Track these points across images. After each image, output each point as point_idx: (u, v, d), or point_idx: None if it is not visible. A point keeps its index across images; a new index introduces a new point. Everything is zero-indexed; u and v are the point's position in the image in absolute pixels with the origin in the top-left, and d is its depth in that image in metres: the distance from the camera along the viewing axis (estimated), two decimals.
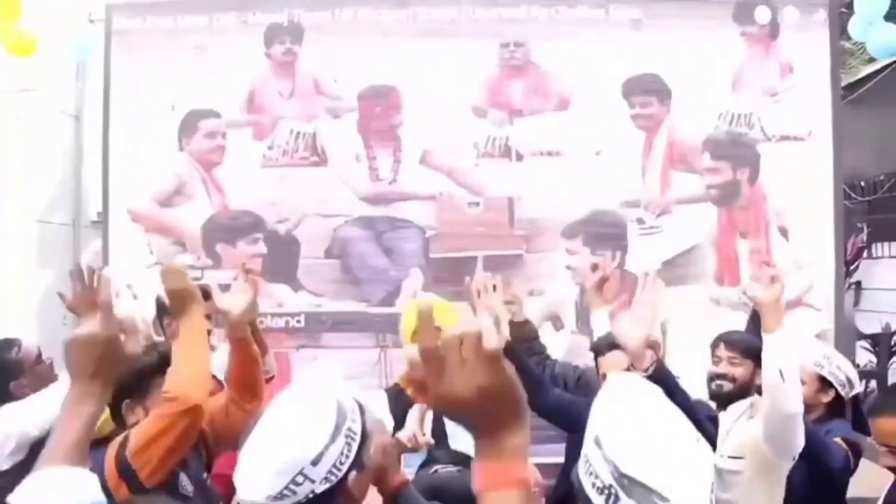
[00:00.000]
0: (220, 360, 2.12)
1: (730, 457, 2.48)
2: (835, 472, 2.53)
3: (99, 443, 1.75)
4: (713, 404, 2.74)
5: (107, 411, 1.86)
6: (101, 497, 1.07)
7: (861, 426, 2.68)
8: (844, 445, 2.59)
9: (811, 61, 4.08)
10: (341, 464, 1.28)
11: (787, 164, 4.04)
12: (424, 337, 0.83)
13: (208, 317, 2.08)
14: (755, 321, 2.76)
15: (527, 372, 2.32)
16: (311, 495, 1.25)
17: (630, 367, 2.03)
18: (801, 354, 2.60)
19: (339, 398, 1.34)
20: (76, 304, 2.80)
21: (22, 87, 4.55)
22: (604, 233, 4.07)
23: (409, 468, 2.40)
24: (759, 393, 2.48)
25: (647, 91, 4.09)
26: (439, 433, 2.51)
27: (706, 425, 2.03)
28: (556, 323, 4.03)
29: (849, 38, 4.77)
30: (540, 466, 2.13)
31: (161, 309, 2.89)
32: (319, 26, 4.19)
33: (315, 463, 1.25)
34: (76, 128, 4.93)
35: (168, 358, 1.90)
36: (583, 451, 1.12)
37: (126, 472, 1.64)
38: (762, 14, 4.08)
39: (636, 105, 4.09)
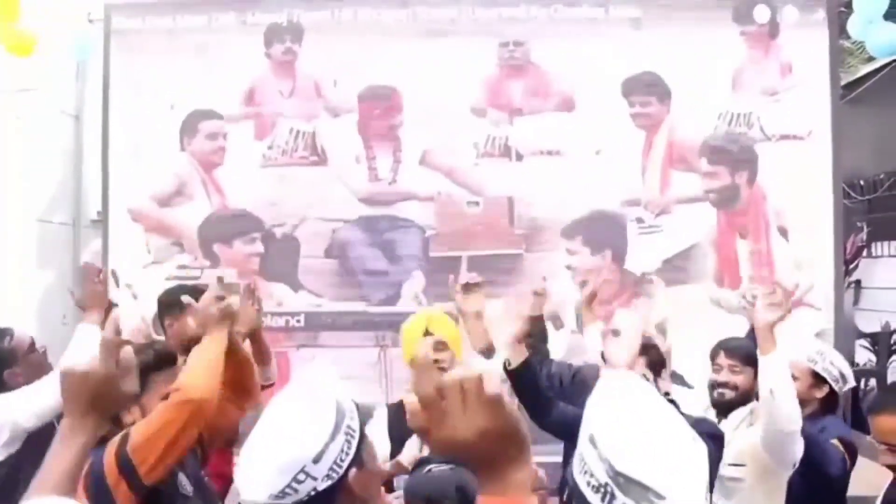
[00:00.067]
0: None
1: (730, 464, 2.49)
2: (833, 478, 2.54)
3: (96, 443, 1.75)
4: (714, 411, 2.74)
5: None
6: None
7: (861, 424, 2.68)
8: (841, 447, 2.60)
9: (810, 61, 4.08)
10: (342, 461, 1.28)
11: (786, 164, 4.04)
12: (422, 383, 0.83)
13: None
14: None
15: (539, 390, 2.32)
16: (312, 493, 1.25)
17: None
18: (796, 351, 2.63)
19: (337, 396, 1.35)
20: (82, 299, 2.81)
21: (22, 87, 4.55)
22: (603, 232, 4.07)
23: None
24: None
25: (647, 90, 4.09)
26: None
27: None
28: (556, 322, 4.03)
29: (848, 37, 4.76)
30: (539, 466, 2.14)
31: (162, 308, 2.89)
32: (319, 26, 4.19)
33: (317, 460, 1.25)
34: (76, 128, 4.93)
35: (165, 356, 1.91)
36: (577, 450, 1.12)
37: (126, 467, 1.64)
38: (761, 13, 4.08)
39: (636, 104, 4.09)
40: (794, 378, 2.43)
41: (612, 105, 4.07)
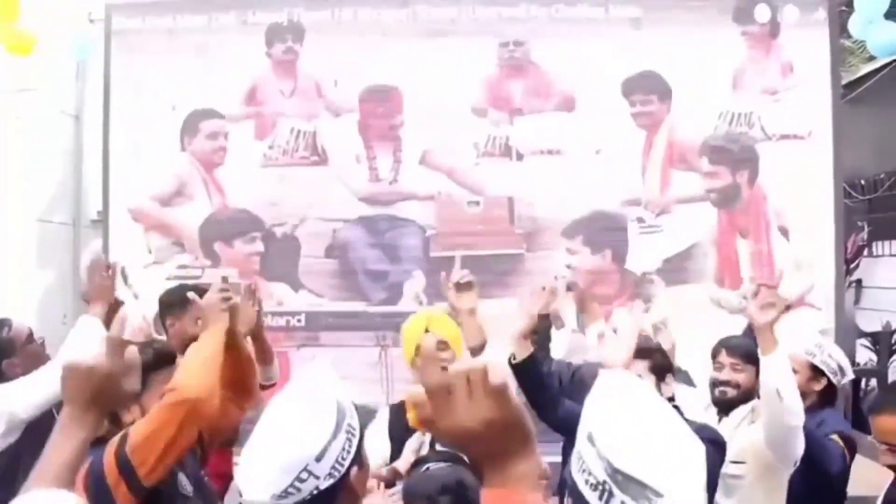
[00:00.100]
0: None
1: (731, 461, 2.49)
2: (834, 476, 2.55)
3: (96, 443, 1.75)
4: (715, 410, 2.74)
5: None
6: None
7: (861, 424, 2.68)
8: (840, 443, 2.61)
9: (811, 60, 4.08)
10: (343, 459, 1.28)
11: (787, 164, 4.04)
12: (428, 373, 0.84)
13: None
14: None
15: (544, 385, 2.32)
16: (315, 492, 1.25)
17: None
18: (795, 345, 2.63)
19: (337, 395, 1.35)
20: (87, 291, 2.81)
21: (22, 87, 4.55)
22: (604, 232, 4.06)
23: None
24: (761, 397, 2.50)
25: (648, 90, 4.08)
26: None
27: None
28: (557, 322, 4.02)
29: (849, 37, 4.76)
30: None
31: (163, 308, 2.89)
32: (319, 26, 4.19)
33: (319, 459, 1.25)
34: (76, 128, 4.94)
35: (165, 356, 1.90)
36: (575, 448, 1.12)
37: (125, 468, 1.63)
38: (762, 12, 4.08)
39: (636, 104, 4.08)
40: (794, 371, 2.44)
41: (612, 105, 4.06)
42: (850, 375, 2.92)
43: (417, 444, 2.42)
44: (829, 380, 2.77)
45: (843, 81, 5.01)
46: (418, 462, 2.15)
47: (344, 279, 4.13)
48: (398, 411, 2.58)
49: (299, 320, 4.10)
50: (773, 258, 4.01)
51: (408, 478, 1.85)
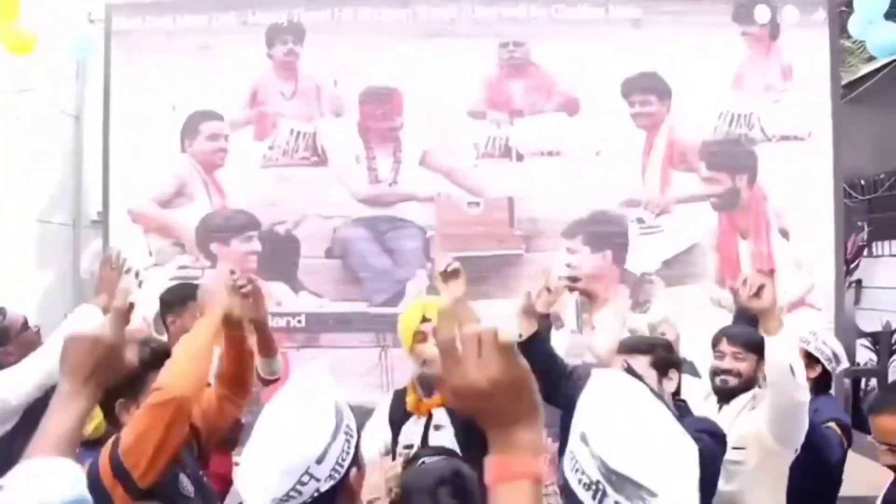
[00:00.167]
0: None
1: (732, 447, 2.48)
2: (833, 464, 2.57)
3: (94, 444, 1.75)
4: (715, 398, 2.74)
5: (100, 413, 1.87)
6: (86, 491, 1.08)
7: (861, 424, 2.69)
8: (838, 430, 2.62)
9: (811, 61, 4.08)
10: (343, 461, 1.28)
11: (787, 164, 4.04)
12: (443, 329, 0.86)
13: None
14: (741, 316, 2.80)
15: (554, 360, 2.30)
16: (315, 494, 1.25)
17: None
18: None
19: (335, 396, 1.35)
20: (96, 283, 2.81)
21: (22, 87, 4.55)
22: (604, 232, 4.07)
23: None
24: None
25: (647, 90, 4.08)
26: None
27: (697, 440, 2.03)
28: (556, 322, 4.02)
29: (849, 37, 4.76)
30: None
31: (164, 307, 2.89)
32: (319, 26, 4.19)
33: (320, 461, 1.25)
34: (76, 128, 4.94)
35: (162, 354, 1.90)
36: (568, 448, 1.12)
37: (119, 471, 1.63)
38: (762, 13, 4.08)
39: (636, 104, 4.08)
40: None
41: (612, 105, 4.06)
42: (846, 363, 2.96)
43: (382, 444, 2.45)
44: (823, 367, 2.80)
45: (843, 82, 5.01)
46: (412, 459, 2.16)
47: (344, 280, 4.13)
48: (399, 397, 2.59)
49: (299, 321, 4.10)
50: (774, 258, 4.01)
51: (405, 472, 1.85)
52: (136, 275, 3.21)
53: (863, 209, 7.10)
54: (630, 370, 2.03)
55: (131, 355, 1.26)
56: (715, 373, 2.72)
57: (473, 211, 4.11)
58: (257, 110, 4.21)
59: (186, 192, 4.20)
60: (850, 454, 2.83)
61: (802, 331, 2.81)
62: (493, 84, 4.15)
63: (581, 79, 4.09)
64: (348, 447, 1.30)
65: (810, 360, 2.76)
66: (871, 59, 5.90)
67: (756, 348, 2.56)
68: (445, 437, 2.36)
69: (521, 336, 2.32)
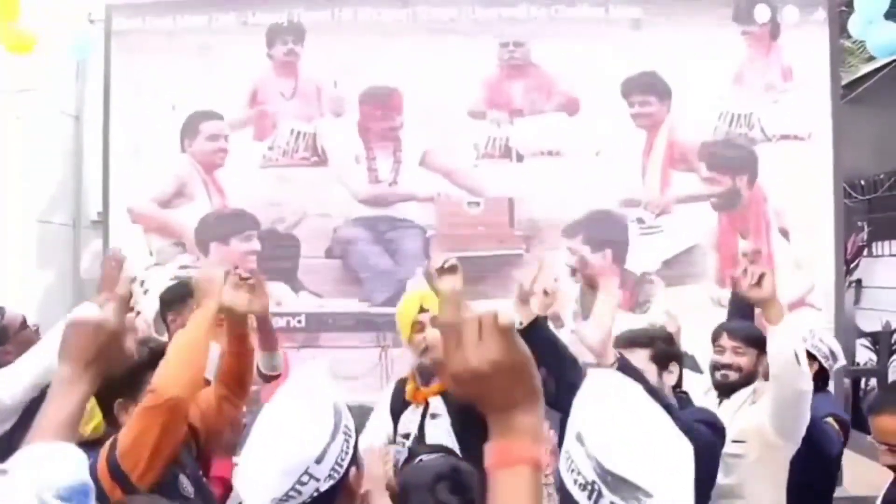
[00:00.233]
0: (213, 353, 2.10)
1: (732, 441, 2.48)
2: (832, 459, 2.58)
3: (94, 444, 1.74)
4: (715, 393, 2.74)
5: (99, 414, 1.86)
6: (88, 476, 1.08)
7: (861, 424, 2.70)
8: (836, 425, 2.63)
9: (811, 61, 4.08)
10: (342, 461, 1.28)
11: (787, 164, 4.04)
12: (445, 312, 0.87)
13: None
14: (735, 304, 2.84)
15: (557, 346, 2.29)
16: (315, 494, 1.25)
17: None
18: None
19: (334, 396, 1.35)
20: (100, 282, 2.80)
21: (22, 87, 4.55)
22: (604, 231, 4.07)
23: None
24: (764, 379, 2.50)
25: (647, 90, 4.08)
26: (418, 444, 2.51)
27: (693, 429, 2.02)
28: (557, 322, 4.02)
29: (849, 37, 4.76)
30: None
31: (164, 305, 2.89)
32: (319, 27, 4.19)
33: (319, 461, 1.24)
34: (76, 128, 4.94)
35: (160, 354, 1.89)
36: (564, 448, 1.12)
37: (117, 473, 1.62)
38: (762, 13, 4.08)
39: (636, 104, 4.09)
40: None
41: (612, 105, 4.07)
42: (842, 360, 2.97)
43: (385, 437, 2.46)
44: (820, 365, 2.80)
45: (843, 82, 5.01)
46: (411, 456, 2.17)
47: (344, 280, 4.13)
48: (399, 387, 2.60)
49: (299, 321, 4.10)
50: (774, 258, 4.01)
51: (403, 471, 1.86)
52: (141, 283, 3.22)
53: (863, 209, 7.11)
54: (624, 361, 2.02)
55: (131, 344, 1.27)
56: (715, 367, 2.71)
57: (473, 211, 4.11)
58: (257, 110, 4.21)
59: (186, 192, 4.20)
60: (851, 454, 2.83)
61: (802, 330, 2.81)
62: (493, 84, 4.16)
63: (581, 79, 4.10)
64: (347, 447, 1.30)
65: (808, 357, 2.77)
66: (871, 59, 5.89)
67: (756, 343, 2.56)
68: (441, 425, 2.37)
69: (521, 323, 2.31)
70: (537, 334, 2.25)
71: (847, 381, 5.19)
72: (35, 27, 4.09)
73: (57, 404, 1.18)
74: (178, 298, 2.77)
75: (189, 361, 1.79)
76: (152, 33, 4.27)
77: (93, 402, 1.77)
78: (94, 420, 1.91)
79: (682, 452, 1.09)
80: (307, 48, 4.19)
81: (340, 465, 1.27)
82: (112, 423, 1.82)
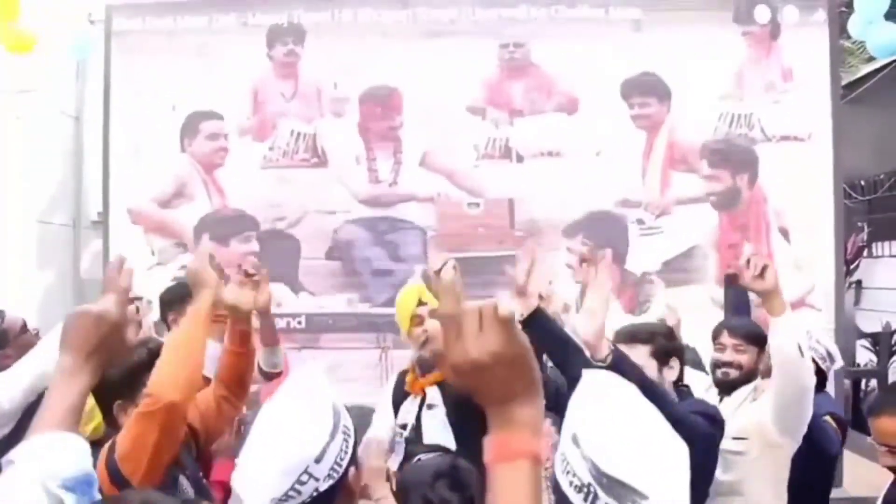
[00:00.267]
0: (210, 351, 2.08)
1: (733, 438, 2.48)
2: (831, 457, 2.59)
3: (93, 445, 1.74)
4: (716, 390, 2.74)
5: (99, 415, 1.86)
6: (90, 466, 1.08)
7: (861, 425, 2.70)
8: (834, 424, 2.63)
9: (811, 61, 4.08)
10: (341, 460, 1.28)
11: (787, 165, 4.05)
12: (445, 303, 0.86)
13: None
14: (730, 300, 2.90)
15: (559, 336, 2.29)
16: (314, 494, 1.24)
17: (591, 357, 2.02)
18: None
19: (333, 396, 1.35)
20: (104, 284, 2.79)
21: (22, 88, 4.55)
22: (604, 231, 4.06)
23: None
24: (765, 377, 2.51)
25: (647, 91, 4.09)
26: (417, 443, 2.51)
27: (690, 420, 2.01)
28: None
29: (849, 37, 4.77)
30: None
31: (164, 306, 2.89)
32: (319, 27, 4.19)
33: (318, 460, 1.24)
34: (76, 128, 4.94)
35: (158, 355, 1.89)
36: (559, 450, 1.12)
37: (117, 477, 1.61)
38: (762, 13, 4.08)
39: (635, 105, 4.09)
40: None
41: (612, 106, 4.07)
42: (840, 362, 2.98)
43: (389, 430, 2.48)
44: (818, 366, 2.80)
45: (843, 82, 5.01)
46: (409, 456, 2.17)
47: (344, 281, 4.13)
48: (401, 379, 2.62)
49: (300, 322, 4.10)
50: (774, 259, 4.00)
51: (402, 470, 1.86)
52: (131, 272, 3.19)
53: (863, 209, 7.11)
54: (618, 353, 2.01)
55: (132, 335, 1.27)
56: (716, 365, 2.71)
57: (473, 212, 4.11)
58: (257, 111, 4.21)
59: (186, 192, 4.20)
60: (851, 455, 2.83)
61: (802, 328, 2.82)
62: (493, 84, 4.16)
63: (581, 79, 4.10)
64: (346, 446, 1.30)
65: None
66: (871, 59, 5.89)
67: (757, 340, 2.57)
68: (437, 415, 2.39)
69: (521, 315, 2.30)
70: (538, 326, 2.25)
71: (847, 382, 5.19)
72: (35, 27, 4.09)
73: (59, 395, 1.18)
74: (178, 298, 2.77)
75: (185, 361, 1.76)
76: (152, 34, 4.27)
77: (92, 402, 1.77)
78: (93, 421, 1.91)
79: (678, 453, 1.09)
80: (307, 49, 4.19)
81: (340, 465, 1.27)
82: (111, 424, 1.82)
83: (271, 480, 1.23)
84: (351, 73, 4.16)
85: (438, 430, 2.39)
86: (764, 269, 2.25)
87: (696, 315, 3.84)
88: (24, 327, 2.77)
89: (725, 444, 2.44)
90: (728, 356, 2.67)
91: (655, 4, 4.12)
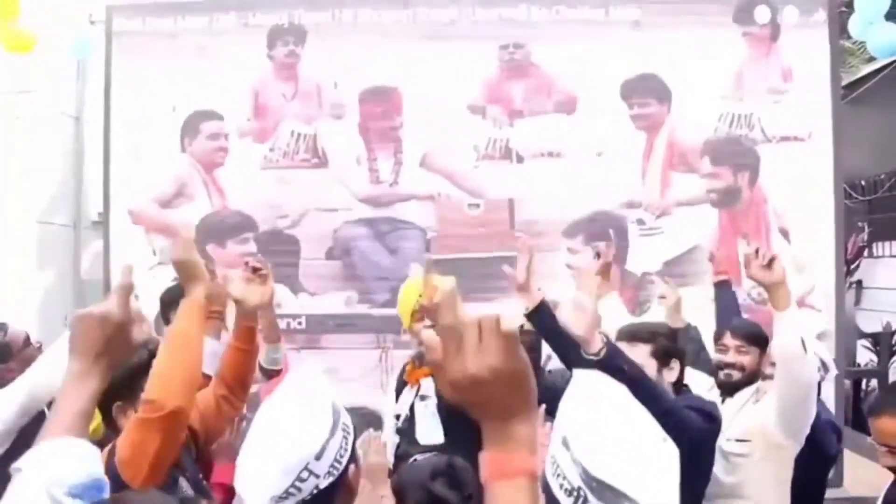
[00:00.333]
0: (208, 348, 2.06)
1: (736, 440, 2.48)
2: (830, 457, 2.60)
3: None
4: (718, 391, 2.74)
5: (98, 416, 1.85)
6: (100, 470, 1.08)
7: (861, 425, 2.70)
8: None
9: (811, 62, 4.08)
10: (341, 457, 1.29)
11: (787, 165, 4.04)
12: (445, 315, 0.84)
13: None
14: (721, 300, 2.98)
15: (562, 332, 2.29)
16: (315, 491, 1.25)
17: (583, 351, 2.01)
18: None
19: (331, 395, 1.35)
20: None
21: (22, 88, 4.56)
22: (605, 231, 4.06)
23: None
24: (766, 378, 2.51)
25: (646, 92, 4.08)
26: (409, 434, 2.51)
27: (682, 413, 2.01)
28: None
29: (849, 38, 4.77)
30: None
31: (165, 306, 2.89)
32: (319, 28, 4.19)
33: (318, 458, 1.25)
34: (76, 128, 4.94)
35: None
36: (549, 453, 1.12)
37: (117, 481, 1.60)
38: (762, 14, 4.08)
39: (635, 106, 4.09)
40: (773, 365, 2.45)
41: (612, 107, 4.07)
42: (834, 370, 2.97)
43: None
44: None
45: (844, 82, 5.02)
46: (405, 456, 2.17)
47: (344, 281, 4.13)
48: (405, 369, 2.64)
49: (300, 323, 4.10)
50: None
51: (399, 471, 1.86)
52: (131, 271, 3.19)
53: (863, 210, 7.11)
54: (611, 347, 2.01)
55: (138, 334, 1.26)
56: (719, 367, 2.71)
57: (474, 212, 4.11)
58: (258, 111, 4.21)
59: (186, 192, 4.20)
60: (851, 455, 2.83)
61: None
62: (494, 85, 4.15)
63: (581, 80, 4.09)
64: (346, 444, 1.30)
65: None
66: (872, 59, 5.90)
67: (759, 341, 2.57)
68: (429, 406, 2.41)
69: (527, 308, 2.30)
70: (543, 318, 2.25)
71: (847, 382, 5.19)
72: (35, 27, 4.10)
73: (69, 399, 1.18)
74: (177, 299, 2.76)
75: (183, 361, 1.72)
76: (153, 34, 4.27)
77: None
78: (93, 422, 1.91)
79: (667, 457, 1.09)
80: (308, 49, 4.19)
81: (339, 462, 1.28)
82: (111, 426, 1.81)
83: (271, 478, 1.24)
84: (351, 74, 4.15)
85: (429, 421, 2.40)
86: (771, 260, 2.26)
87: (697, 315, 3.85)
88: (27, 341, 2.77)
89: (728, 446, 2.44)
90: (731, 357, 2.68)
91: (655, 5, 4.11)
